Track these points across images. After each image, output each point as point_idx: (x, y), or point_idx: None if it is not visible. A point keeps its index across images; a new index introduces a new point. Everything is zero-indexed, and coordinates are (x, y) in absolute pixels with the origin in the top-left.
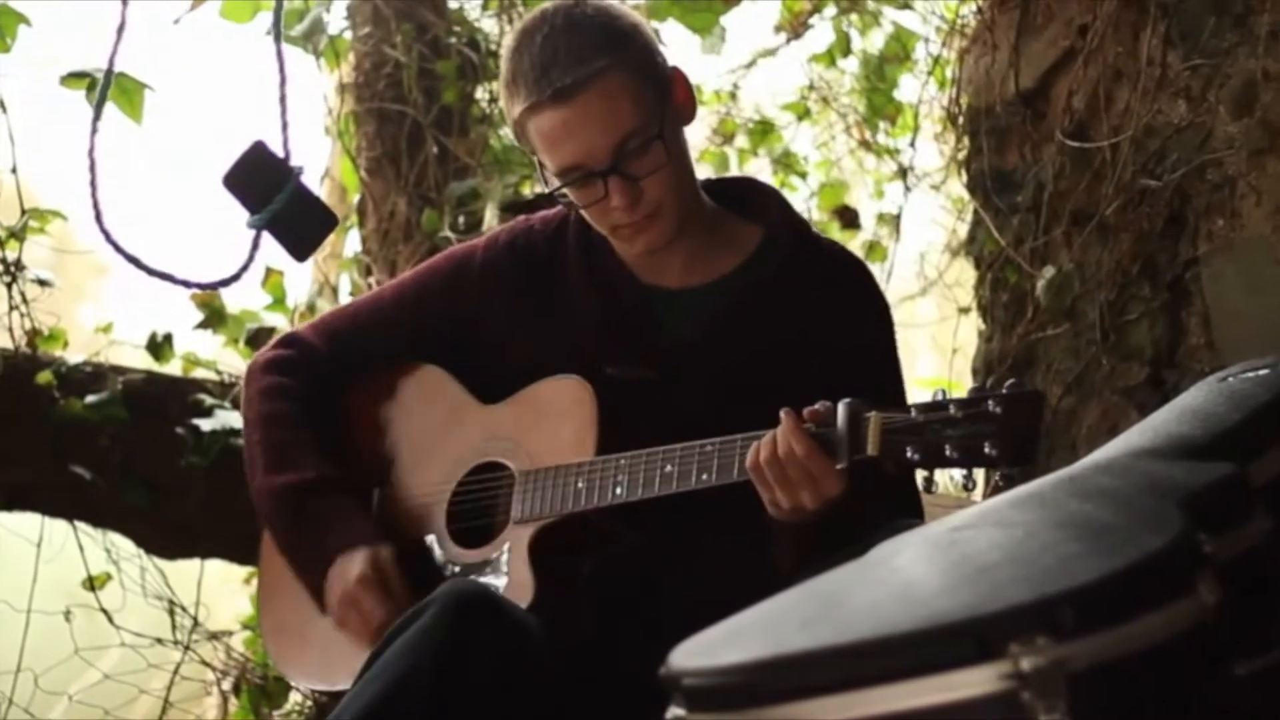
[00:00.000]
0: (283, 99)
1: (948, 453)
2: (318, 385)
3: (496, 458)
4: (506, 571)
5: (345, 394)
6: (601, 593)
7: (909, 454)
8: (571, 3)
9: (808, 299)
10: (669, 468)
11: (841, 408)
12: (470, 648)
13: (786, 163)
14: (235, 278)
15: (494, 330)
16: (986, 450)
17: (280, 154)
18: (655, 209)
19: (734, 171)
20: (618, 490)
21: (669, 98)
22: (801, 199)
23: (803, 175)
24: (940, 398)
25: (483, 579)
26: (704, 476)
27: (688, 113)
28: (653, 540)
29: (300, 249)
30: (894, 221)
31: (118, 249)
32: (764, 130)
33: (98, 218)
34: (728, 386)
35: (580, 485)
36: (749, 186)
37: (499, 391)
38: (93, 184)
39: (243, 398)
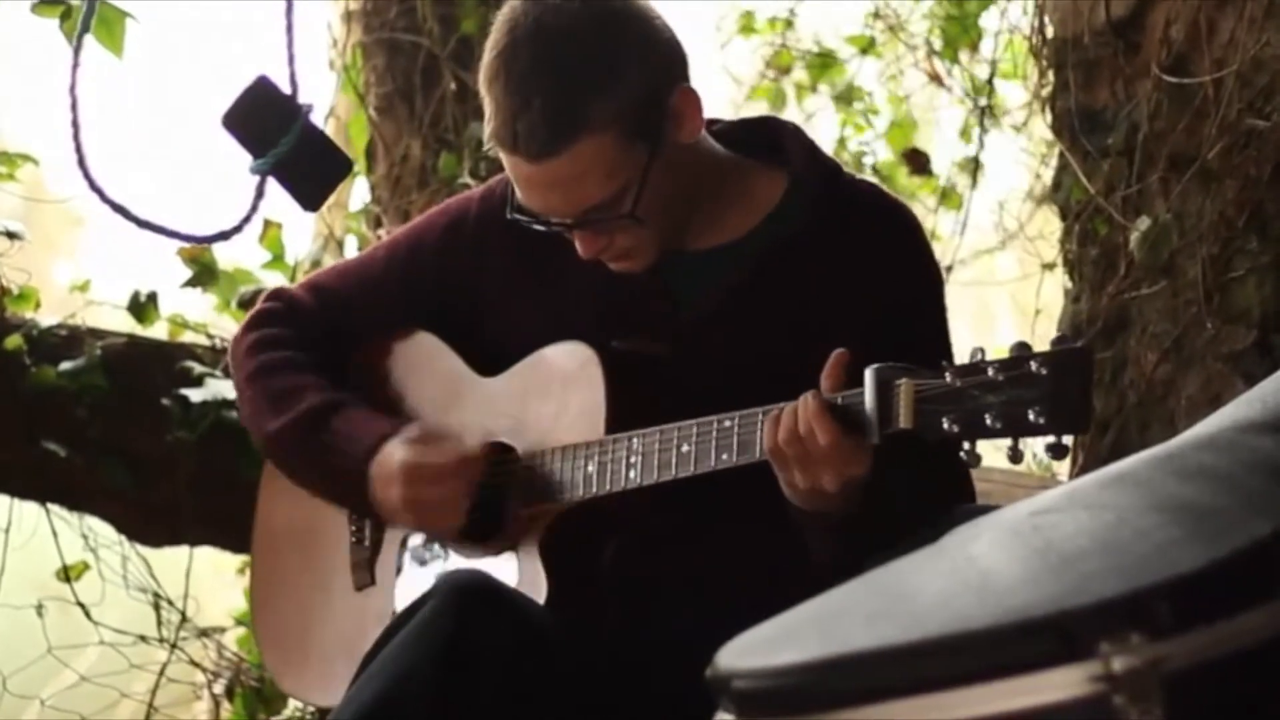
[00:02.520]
0: (289, 28)
1: (989, 422)
2: (309, 338)
3: (500, 438)
4: (518, 567)
5: (339, 366)
6: (624, 581)
7: (946, 425)
8: (557, 7)
9: (840, 255)
10: (685, 447)
11: (869, 375)
12: (474, 641)
13: (849, 99)
14: (237, 230)
15: (491, 294)
16: (1032, 418)
17: (286, 90)
18: (628, 251)
19: (792, 109)
20: (631, 474)
21: (661, 139)
22: (866, 140)
23: (874, 112)
24: (979, 358)
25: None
26: (724, 456)
27: (690, 134)
28: (679, 521)
29: (310, 197)
30: (970, 166)
31: (104, 198)
32: (824, 63)
33: (80, 162)
34: (749, 361)
35: (591, 469)
36: (769, 127)
37: (499, 363)
38: (74, 124)
39: (232, 365)
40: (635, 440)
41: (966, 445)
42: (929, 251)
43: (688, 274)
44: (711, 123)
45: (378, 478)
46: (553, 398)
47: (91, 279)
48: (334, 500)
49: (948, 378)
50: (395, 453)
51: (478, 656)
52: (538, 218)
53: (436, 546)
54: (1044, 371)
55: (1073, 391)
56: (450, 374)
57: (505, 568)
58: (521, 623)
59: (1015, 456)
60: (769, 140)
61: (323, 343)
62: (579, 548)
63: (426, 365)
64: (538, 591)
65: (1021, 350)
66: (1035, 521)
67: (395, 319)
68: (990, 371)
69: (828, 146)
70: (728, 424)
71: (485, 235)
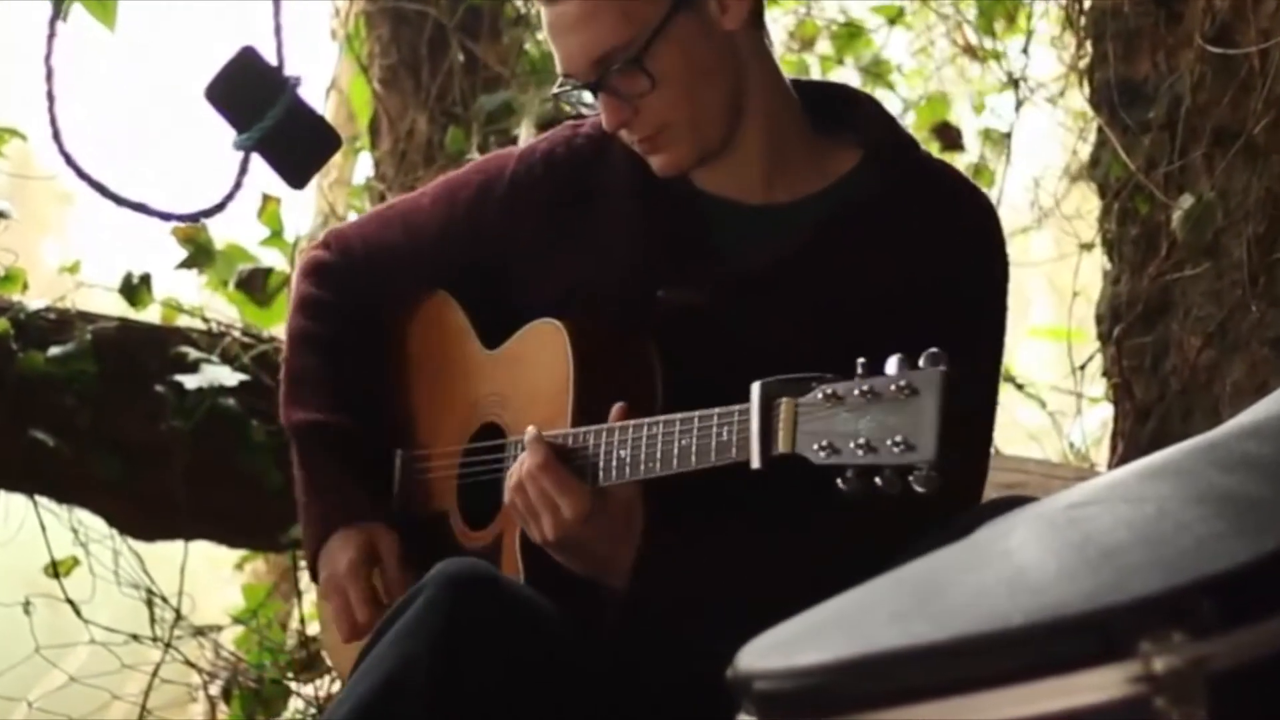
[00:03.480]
0: None
1: (852, 449)
2: (350, 302)
3: (494, 418)
4: (498, 563)
5: (374, 324)
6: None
7: (815, 449)
8: None
9: (905, 234)
10: (623, 452)
11: (755, 388)
12: (470, 633)
13: (876, 72)
14: (219, 208)
15: (521, 257)
16: (890, 444)
17: (273, 62)
18: (657, 130)
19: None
20: (614, 469)
21: (690, 2)
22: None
23: (893, 85)
24: (860, 371)
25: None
26: (649, 465)
27: (734, 18)
28: (672, 513)
29: (296, 174)
30: (1003, 141)
31: (80, 174)
32: (851, 34)
33: (56, 136)
34: (793, 328)
35: (577, 463)
36: (845, 96)
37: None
38: (50, 96)
39: (289, 299)
40: (613, 434)
41: (846, 475)
42: (1002, 246)
43: (740, 226)
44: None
45: (324, 554)
46: (527, 379)
47: (81, 259)
48: (301, 519)
49: (820, 397)
50: (345, 552)
51: (474, 649)
52: (570, 86)
53: (444, 531)
54: (903, 395)
55: (928, 420)
56: (457, 340)
57: (491, 560)
58: (521, 613)
59: (856, 491)
60: (844, 109)
61: (363, 296)
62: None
63: (438, 328)
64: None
65: (899, 367)
66: (1072, 514)
67: (436, 269)
68: (857, 392)
69: None
70: (654, 430)
71: (517, 196)
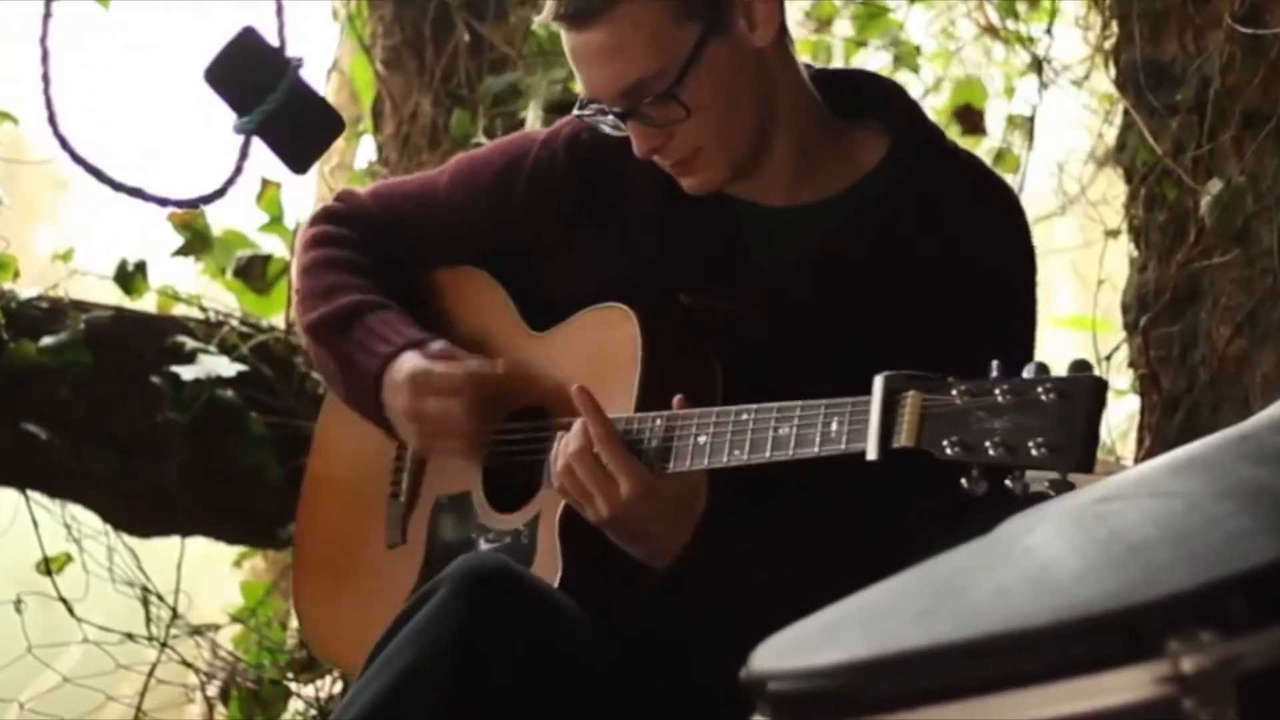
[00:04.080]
0: None
1: (990, 450)
2: (368, 240)
3: (537, 401)
4: (533, 547)
5: (393, 274)
6: (650, 576)
7: (947, 448)
8: None
9: (934, 229)
10: (702, 437)
11: (878, 382)
12: (489, 633)
13: (898, 54)
14: (219, 193)
15: (544, 244)
16: (1030, 447)
17: (274, 43)
18: (690, 154)
19: (837, 64)
20: (682, 457)
21: (724, 26)
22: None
23: (917, 68)
24: (996, 374)
25: (507, 553)
26: (735, 453)
27: (764, 35)
28: (718, 505)
29: (298, 158)
30: (1027, 125)
31: (76, 158)
32: (870, 13)
33: (51, 119)
34: (825, 328)
35: (639, 447)
36: (870, 84)
37: (549, 318)
38: (45, 78)
39: (293, 259)
40: (659, 421)
41: (972, 474)
42: (1028, 234)
43: (769, 228)
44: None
45: (389, 384)
46: (585, 364)
47: (75, 247)
48: (352, 403)
49: (954, 394)
50: (408, 361)
51: (492, 650)
52: (598, 112)
53: (466, 512)
54: (1051, 398)
55: (1078, 426)
56: (501, 320)
57: (519, 548)
58: (542, 613)
59: (983, 490)
60: (868, 97)
61: (380, 248)
62: (598, 535)
63: (479, 307)
64: (552, 573)
65: (1038, 373)
66: (1098, 510)
67: (451, 246)
68: (997, 392)
69: None
70: (744, 418)
71: (539, 179)
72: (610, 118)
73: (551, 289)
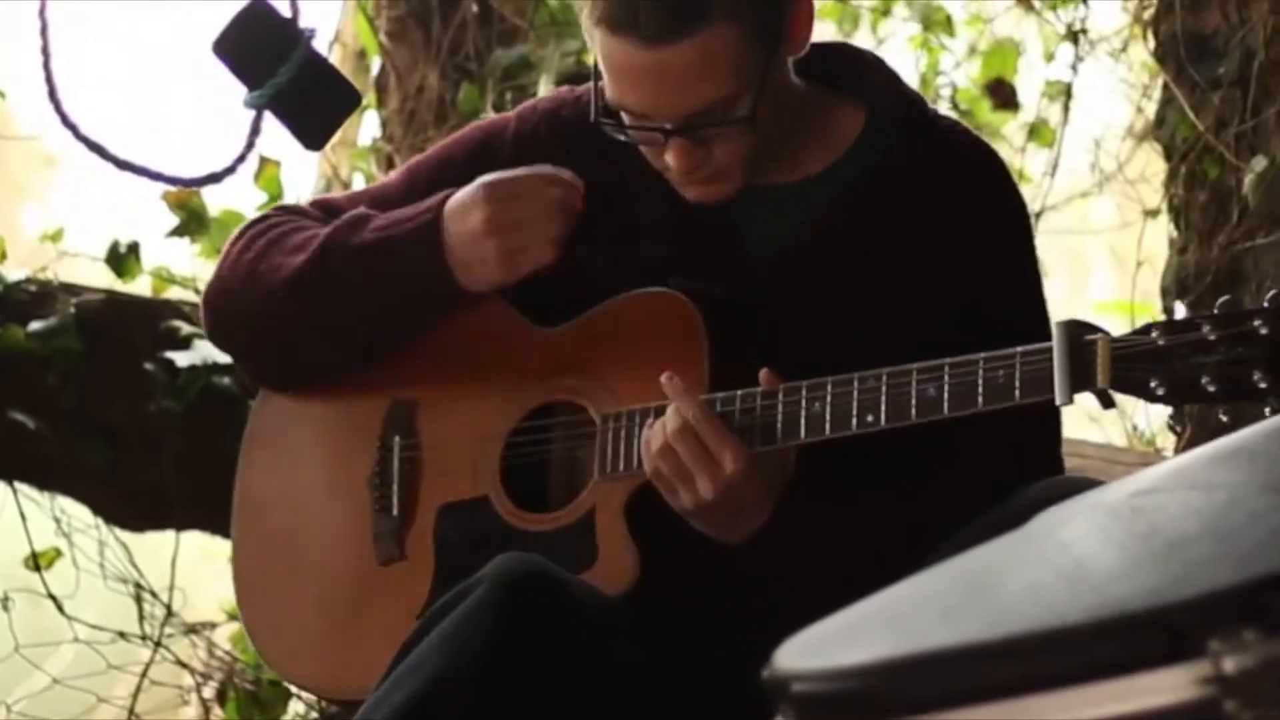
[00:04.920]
0: None
1: (1205, 385)
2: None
3: (566, 396)
4: (591, 546)
5: None
6: (716, 568)
7: (1154, 386)
8: None
9: (921, 198)
10: (816, 406)
11: (1057, 328)
12: (525, 639)
13: (927, 22)
14: (230, 171)
15: None
16: (1258, 379)
17: (287, 13)
18: (719, 172)
19: (864, 36)
20: (798, 428)
21: (779, 44)
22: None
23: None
24: (1181, 315)
25: (554, 556)
26: (869, 418)
27: (798, 47)
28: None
29: (313, 134)
30: (1062, 99)
31: (78, 134)
32: None
33: (51, 94)
34: (821, 310)
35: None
36: (846, 56)
37: (542, 308)
38: (44, 51)
39: (216, 272)
40: (803, 392)
41: (1169, 411)
42: (1019, 197)
43: (756, 212)
44: None
45: (453, 213)
46: (638, 352)
47: (64, 226)
48: (401, 290)
49: (1153, 334)
50: (465, 191)
51: (527, 657)
52: (627, 125)
53: (483, 518)
54: (1265, 331)
55: None
56: (500, 320)
57: (573, 547)
58: (581, 618)
59: (1175, 427)
60: (846, 70)
61: None
62: (665, 526)
63: (464, 309)
64: (620, 577)
65: (1235, 307)
66: (1136, 502)
67: None
68: (1205, 328)
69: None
70: (872, 383)
71: (525, 154)
72: (642, 133)
73: (536, 278)
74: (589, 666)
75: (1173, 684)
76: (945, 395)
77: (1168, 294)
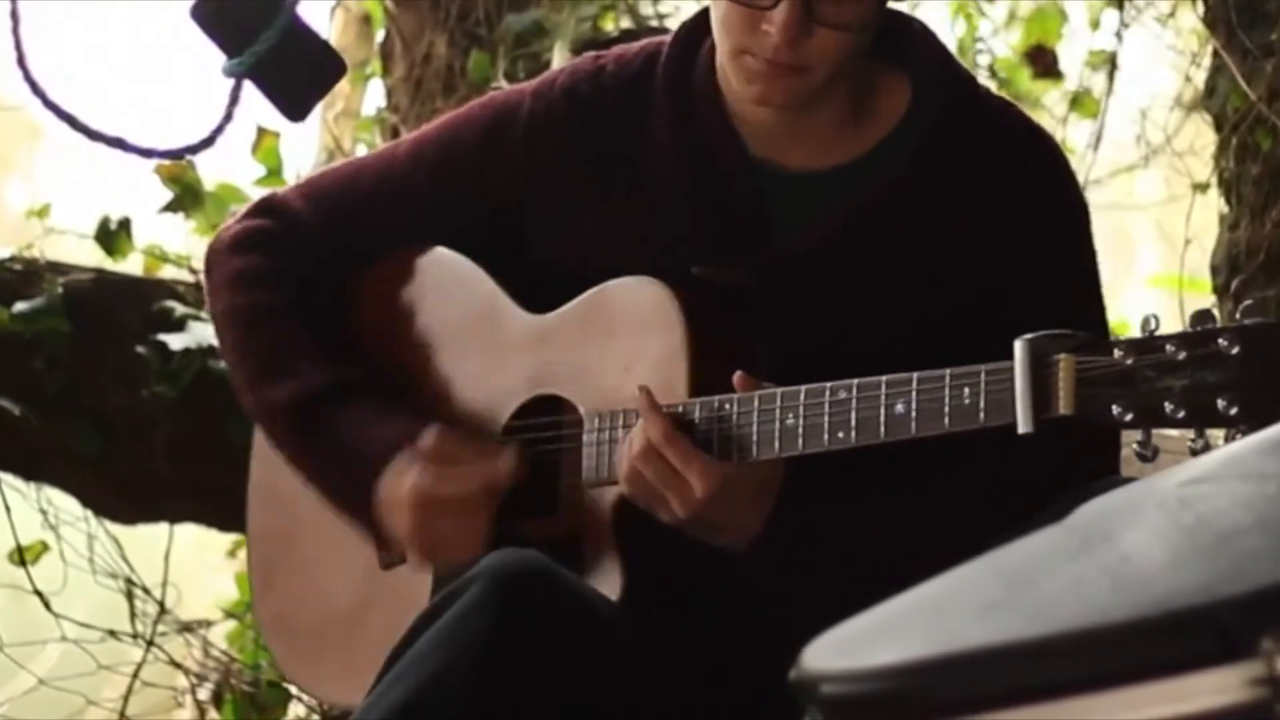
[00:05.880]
0: None
1: (1169, 410)
2: (306, 269)
3: (554, 390)
4: (580, 554)
5: (344, 292)
6: (710, 574)
7: (1116, 412)
8: None
9: (969, 190)
10: (790, 419)
11: (1020, 347)
12: (521, 638)
13: None
14: (207, 142)
15: (542, 211)
16: (1221, 407)
17: None
18: (808, 64)
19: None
20: (773, 442)
21: None
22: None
23: None
24: (1152, 330)
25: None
26: (840, 435)
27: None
28: (795, 483)
29: (295, 104)
30: (1107, 67)
31: (48, 103)
32: None
33: (20, 60)
34: (853, 304)
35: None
36: (893, 20)
37: (550, 297)
38: (13, 15)
39: (206, 288)
40: (727, 405)
41: (1136, 436)
42: (1078, 190)
43: (792, 195)
44: None
45: (384, 502)
46: (621, 344)
47: (51, 202)
48: (330, 503)
49: (1116, 354)
50: (406, 475)
51: (524, 657)
52: None
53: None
54: (1234, 350)
55: (1271, 375)
56: (486, 306)
57: (567, 552)
58: (580, 616)
59: (1196, 448)
60: (891, 36)
61: (322, 276)
62: (657, 533)
63: (453, 294)
64: (610, 580)
65: (1203, 322)
66: (1184, 493)
67: (416, 237)
68: (1169, 348)
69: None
70: (844, 395)
71: (538, 138)
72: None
73: (544, 263)
74: (589, 667)
75: (1222, 685)
76: (913, 414)
77: (1218, 272)
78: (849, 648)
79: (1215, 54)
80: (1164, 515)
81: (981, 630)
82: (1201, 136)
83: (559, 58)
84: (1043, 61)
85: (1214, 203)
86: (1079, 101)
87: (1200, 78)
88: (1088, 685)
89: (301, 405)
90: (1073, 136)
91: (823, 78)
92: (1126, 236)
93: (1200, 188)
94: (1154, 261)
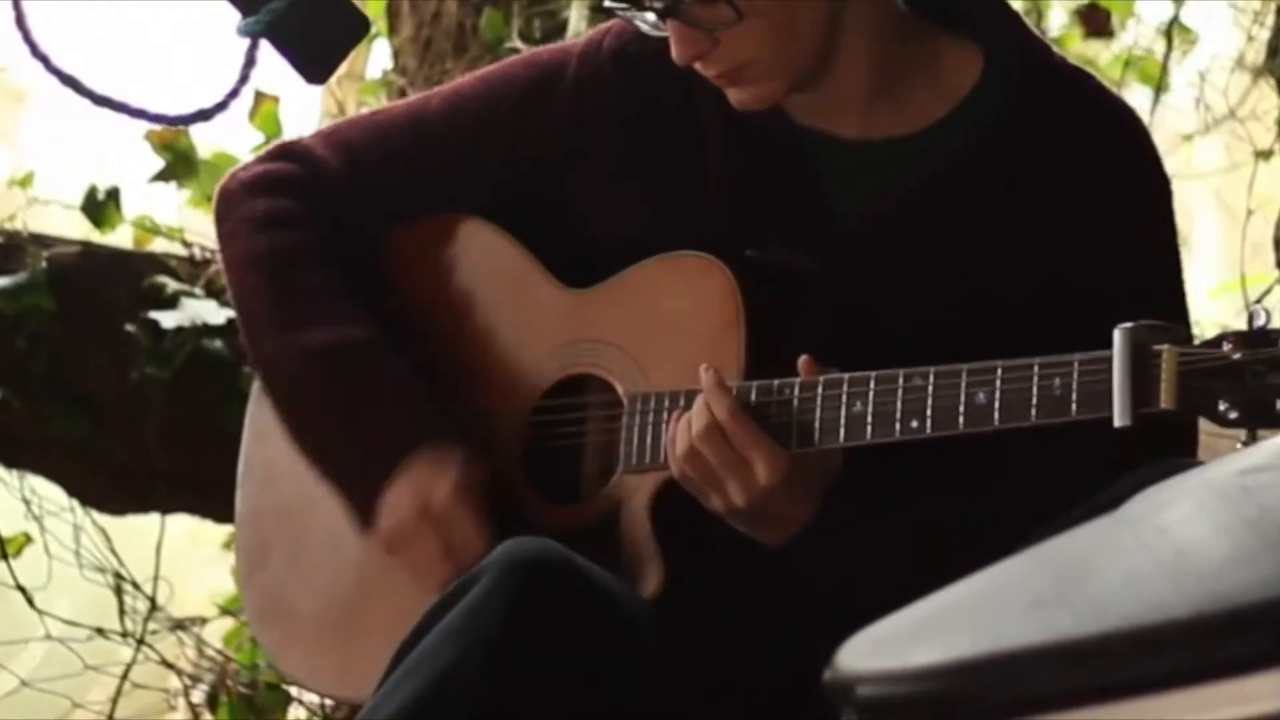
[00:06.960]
0: None
1: None
2: (335, 218)
3: (591, 370)
4: (615, 544)
5: (371, 252)
6: (743, 566)
7: (1223, 409)
8: None
9: (1047, 162)
10: (858, 406)
11: (1119, 336)
12: (536, 631)
13: None
14: (221, 107)
15: (584, 181)
16: None
17: None
18: (738, 67)
19: None
20: (838, 430)
21: None
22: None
23: None
24: (1263, 323)
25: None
26: (914, 424)
27: None
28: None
29: (315, 65)
30: (1165, 28)
31: (49, 66)
32: None
33: (19, 20)
34: (920, 287)
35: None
36: None
37: (586, 272)
38: None
39: (219, 234)
40: (787, 389)
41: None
42: (1161, 169)
43: (851, 170)
44: None
45: (411, 475)
46: (668, 323)
47: (35, 170)
48: (321, 456)
49: (1225, 347)
50: (450, 472)
51: (540, 650)
52: (633, 3)
53: (503, 507)
54: None
55: None
56: (519, 278)
57: (600, 542)
58: (598, 607)
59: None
60: (960, 4)
61: (351, 229)
62: (700, 519)
63: (484, 265)
64: (647, 577)
65: None
66: (1245, 482)
67: (447, 197)
68: None
69: None
70: (919, 382)
71: (585, 102)
72: (650, 16)
73: (585, 236)
74: (608, 662)
75: None
76: (997, 404)
77: None
78: (887, 647)
79: (1278, 14)
80: (1224, 505)
81: (1030, 628)
82: (1264, 101)
83: (576, 16)
84: (1095, 21)
85: (1277, 171)
86: (1135, 64)
87: (1264, 39)
88: (1143, 687)
89: (337, 352)
90: (1128, 102)
91: (777, 67)
92: (1185, 207)
93: (1263, 155)
94: (1214, 233)
